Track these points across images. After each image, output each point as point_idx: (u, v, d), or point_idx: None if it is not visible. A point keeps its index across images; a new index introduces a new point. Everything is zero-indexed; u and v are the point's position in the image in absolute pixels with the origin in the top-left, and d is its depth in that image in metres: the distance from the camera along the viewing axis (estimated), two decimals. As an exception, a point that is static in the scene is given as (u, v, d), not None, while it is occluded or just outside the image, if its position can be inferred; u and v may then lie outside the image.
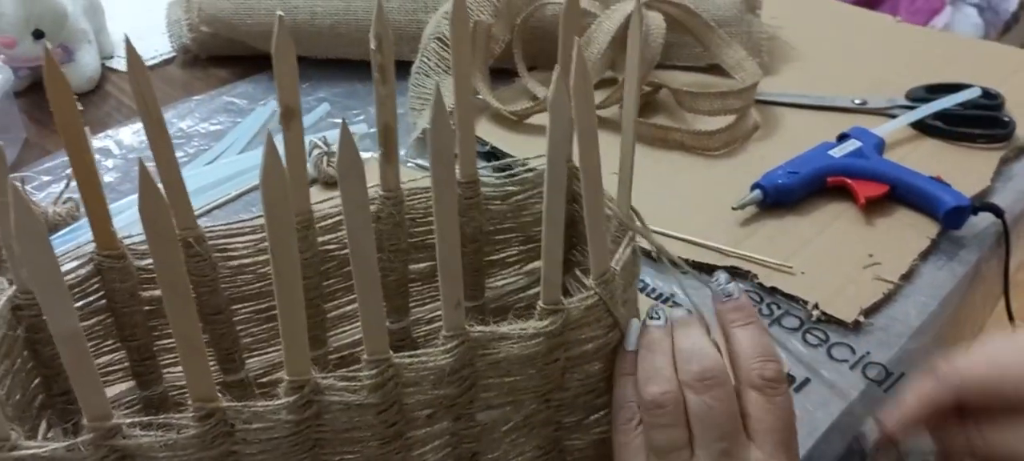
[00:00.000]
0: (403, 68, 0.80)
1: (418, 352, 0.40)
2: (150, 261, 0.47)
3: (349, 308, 0.56)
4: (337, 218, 0.52)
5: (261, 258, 0.51)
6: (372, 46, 0.46)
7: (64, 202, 0.75)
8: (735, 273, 0.68)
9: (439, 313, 0.55)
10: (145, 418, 0.38)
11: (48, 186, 0.80)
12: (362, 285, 0.38)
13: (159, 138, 0.45)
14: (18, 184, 0.32)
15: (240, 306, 0.52)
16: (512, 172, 0.55)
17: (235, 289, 0.51)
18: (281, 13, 0.43)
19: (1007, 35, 2.18)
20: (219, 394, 0.37)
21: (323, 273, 0.53)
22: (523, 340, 0.42)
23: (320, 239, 0.52)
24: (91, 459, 0.36)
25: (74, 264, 0.47)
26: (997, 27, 2.17)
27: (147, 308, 0.49)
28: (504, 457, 0.46)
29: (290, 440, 0.39)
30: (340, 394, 0.39)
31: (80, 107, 0.44)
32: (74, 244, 0.71)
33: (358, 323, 0.54)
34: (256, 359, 0.54)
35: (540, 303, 0.42)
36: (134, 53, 0.43)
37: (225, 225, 0.50)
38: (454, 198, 0.38)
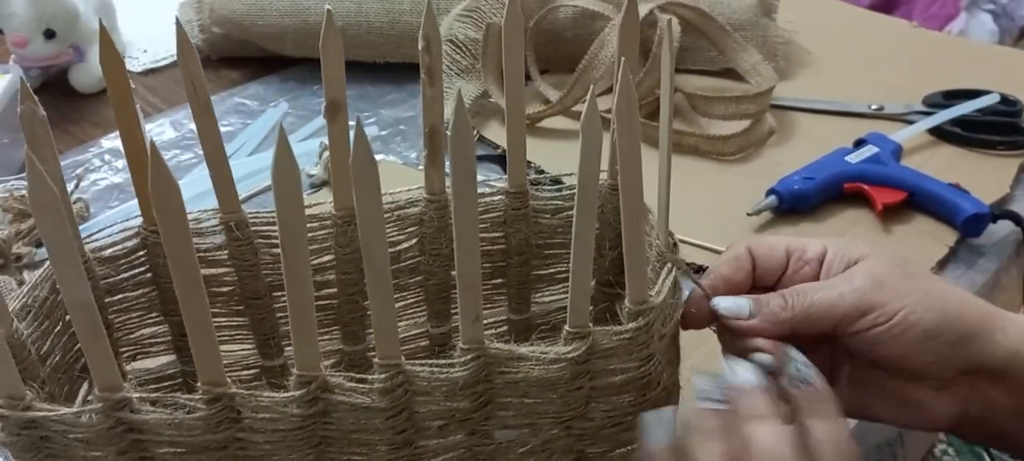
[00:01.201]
0: (414, 71, 0.80)
1: (432, 362, 0.40)
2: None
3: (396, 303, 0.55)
4: (386, 214, 0.52)
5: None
6: (420, 46, 0.46)
7: (73, 202, 0.75)
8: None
9: (487, 317, 0.54)
10: (153, 395, 0.38)
11: (58, 186, 0.80)
12: (374, 287, 0.37)
13: (206, 122, 0.46)
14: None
15: (281, 293, 0.51)
16: (561, 186, 0.53)
17: (277, 276, 0.51)
18: (315, 13, 0.43)
19: (1022, 41, 2.16)
20: (235, 378, 0.39)
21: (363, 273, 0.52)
22: (543, 363, 0.40)
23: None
24: (99, 428, 0.37)
25: (121, 236, 0.49)
26: (1012, 33, 2.15)
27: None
28: None
29: (296, 434, 0.39)
30: (348, 394, 0.39)
31: (133, 86, 0.45)
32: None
33: (400, 315, 0.55)
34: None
35: (566, 327, 0.41)
36: (184, 37, 0.43)
37: (269, 212, 0.50)
38: (474, 209, 0.37)
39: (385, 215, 0.50)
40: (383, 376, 0.39)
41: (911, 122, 0.85)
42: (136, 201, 0.76)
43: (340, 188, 0.50)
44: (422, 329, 0.56)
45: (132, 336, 0.52)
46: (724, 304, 0.44)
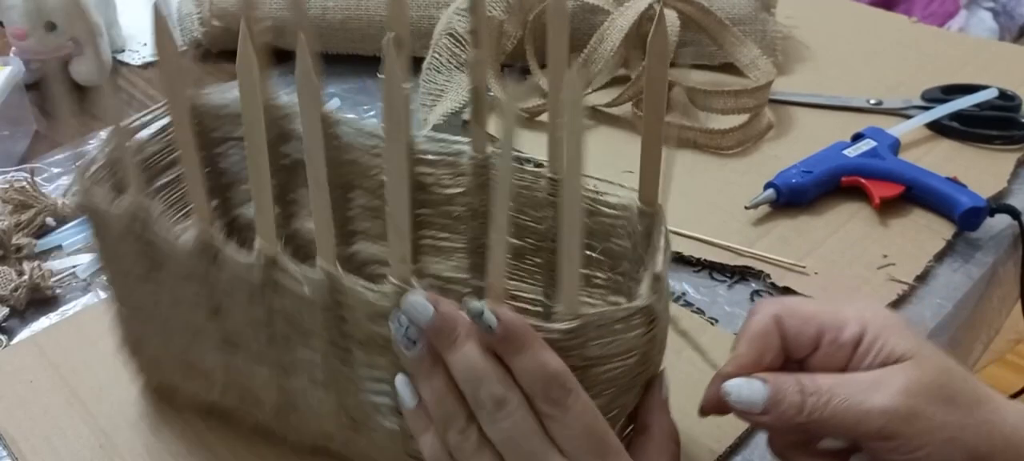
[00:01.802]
0: (415, 65, 0.80)
1: (362, 282, 0.42)
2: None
3: (444, 243, 0.57)
4: (438, 156, 0.54)
5: (376, 161, 0.55)
6: (466, 6, 0.48)
7: (74, 195, 0.75)
8: (748, 273, 0.68)
9: (523, 292, 0.55)
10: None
11: (58, 178, 0.80)
12: (314, 190, 0.41)
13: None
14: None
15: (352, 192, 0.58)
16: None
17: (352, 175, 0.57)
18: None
19: (1022, 39, 2.16)
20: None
21: (418, 202, 0.54)
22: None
23: (417, 169, 0.53)
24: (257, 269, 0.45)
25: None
26: (1012, 31, 2.16)
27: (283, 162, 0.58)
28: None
29: (254, 293, 0.45)
30: (289, 279, 0.44)
31: (132, 80, 0.47)
32: (83, 237, 0.71)
33: (448, 256, 0.57)
34: (371, 246, 0.59)
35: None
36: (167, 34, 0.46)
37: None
38: (404, 153, 0.39)
39: (437, 158, 0.54)
40: (320, 275, 0.43)
41: (909, 117, 0.85)
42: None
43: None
44: (465, 275, 0.57)
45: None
46: (736, 393, 0.43)
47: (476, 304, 0.39)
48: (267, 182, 0.43)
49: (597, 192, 0.49)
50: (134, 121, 0.53)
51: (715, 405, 0.44)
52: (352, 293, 0.42)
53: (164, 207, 0.52)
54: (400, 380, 0.42)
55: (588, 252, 0.51)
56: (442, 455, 0.42)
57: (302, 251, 0.57)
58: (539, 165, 0.53)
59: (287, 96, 0.56)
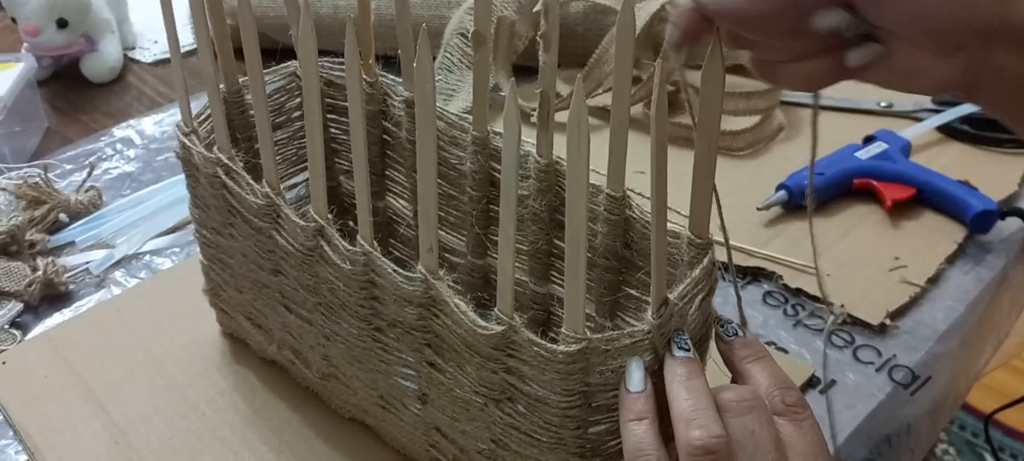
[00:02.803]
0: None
1: (394, 267, 0.43)
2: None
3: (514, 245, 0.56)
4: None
5: (451, 150, 0.56)
6: (537, 8, 0.47)
7: (86, 190, 0.75)
8: (760, 274, 0.68)
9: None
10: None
11: (70, 174, 0.80)
12: (356, 169, 0.44)
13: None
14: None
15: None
16: None
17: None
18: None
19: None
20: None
21: (491, 197, 0.54)
22: (464, 327, 0.41)
23: (491, 164, 0.54)
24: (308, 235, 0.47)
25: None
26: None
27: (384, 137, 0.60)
28: (453, 423, 0.46)
29: (303, 255, 0.48)
30: (332, 247, 0.46)
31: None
32: (95, 233, 0.72)
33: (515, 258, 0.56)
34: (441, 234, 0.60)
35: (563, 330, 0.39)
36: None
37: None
38: (433, 144, 0.40)
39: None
40: (356, 251, 0.45)
41: (920, 119, 0.85)
42: (148, 190, 0.77)
43: (478, 115, 0.53)
44: (525, 278, 0.55)
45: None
46: None
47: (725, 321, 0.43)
48: (320, 149, 0.46)
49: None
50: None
51: (689, 25, 0.41)
52: (384, 274, 0.44)
53: (249, 162, 0.55)
54: (634, 360, 0.40)
55: (642, 274, 0.49)
56: (651, 447, 0.38)
57: (388, 226, 0.60)
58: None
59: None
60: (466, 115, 0.55)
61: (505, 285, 0.40)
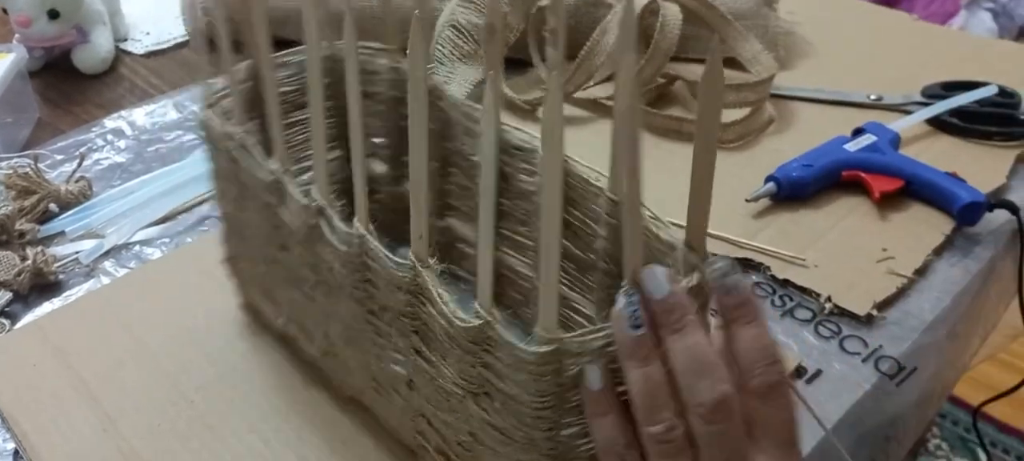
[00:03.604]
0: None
1: (386, 252, 0.44)
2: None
3: (521, 238, 0.55)
4: (518, 148, 0.53)
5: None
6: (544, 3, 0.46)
7: (76, 180, 0.76)
8: (748, 265, 0.68)
9: (580, 306, 0.53)
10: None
11: (61, 165, 0.81)
12: (354, 150, 0.45)
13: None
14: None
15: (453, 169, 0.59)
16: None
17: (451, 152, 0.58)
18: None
19: (1022, 39, 2.16)
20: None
21: (500, 190, 0.54)
22: (445, 317, 0.41)
23: (503, 157, 0.53)
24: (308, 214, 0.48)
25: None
26: (1011, 31, 2.16)
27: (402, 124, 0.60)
28: (436, 412, 0.46)
29: (307, 240, 0.49)
30: (330, 228, 0.47)
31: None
32: (85, 223, 0.72)
33: (524, 252, 0.56)
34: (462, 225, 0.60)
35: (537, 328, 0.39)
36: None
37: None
38: (424, 134, 0.40)
39: (517, 150, 0.53)
40: (350, 232, 0.45)
41: (909, 112, 0.85)
42: (139, 180, 0.77)
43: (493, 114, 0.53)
44: (534, 274, 0.55)
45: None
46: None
47: (722, 264, 0.38)
48: (322, 130, 0.47)
49: (656, 222, 0.44)
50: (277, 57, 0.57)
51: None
52: (376, 258, 0.44)
53: (257, 140, 0.55)
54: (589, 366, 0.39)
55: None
56: (617, 444, 0.39)
57: (450, 248, 0.60)
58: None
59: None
60: (479, 106, 0.54)
61: (485, 278, 0.40)
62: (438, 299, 0.41)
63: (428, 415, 0.47)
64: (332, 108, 0.59)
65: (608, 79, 0.91)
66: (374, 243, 0.44)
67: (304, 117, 0.60)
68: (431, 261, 0.43)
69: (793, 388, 0.39)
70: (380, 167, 0.63)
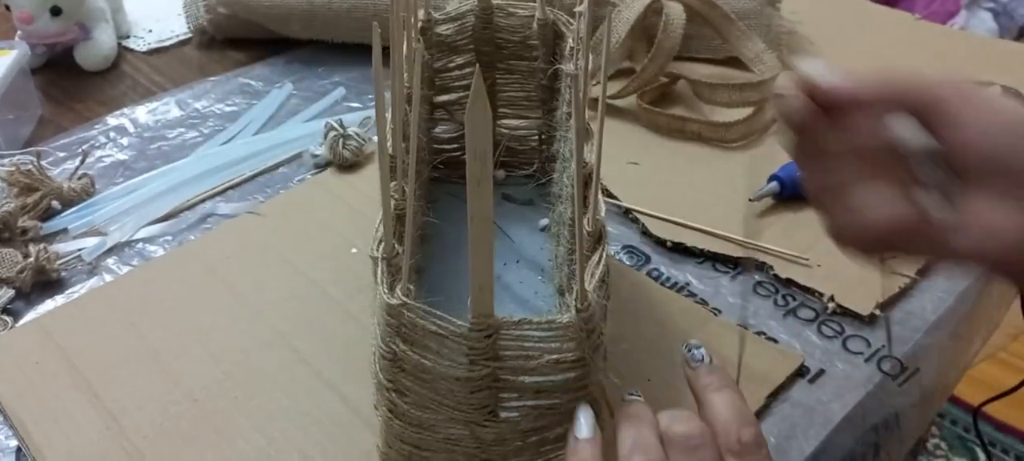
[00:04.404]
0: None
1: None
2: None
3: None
4: None
5: None
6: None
7: (79, 178, 0.75)
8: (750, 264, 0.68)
9: None
10: None
11: (63, 162, 0.80)
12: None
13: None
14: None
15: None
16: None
17: None
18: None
19: (1022, 39, 2.16)
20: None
21: None
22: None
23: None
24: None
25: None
26: (1011, 32, 2.16)
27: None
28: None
29: None
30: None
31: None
32: (88, 221, 0.71)
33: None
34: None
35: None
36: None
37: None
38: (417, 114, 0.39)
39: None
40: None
41: (912, 113, 0.85)
42: (141, 178, 0.77)
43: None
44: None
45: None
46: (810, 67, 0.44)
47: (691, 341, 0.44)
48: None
49: None
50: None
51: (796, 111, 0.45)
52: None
53: None
54: (583, 408, 0.42)
55: None
56: None
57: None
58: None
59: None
60: None
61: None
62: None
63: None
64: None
65: (611, 77, 0.91)
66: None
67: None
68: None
69: (766, 446, 0.41)
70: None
